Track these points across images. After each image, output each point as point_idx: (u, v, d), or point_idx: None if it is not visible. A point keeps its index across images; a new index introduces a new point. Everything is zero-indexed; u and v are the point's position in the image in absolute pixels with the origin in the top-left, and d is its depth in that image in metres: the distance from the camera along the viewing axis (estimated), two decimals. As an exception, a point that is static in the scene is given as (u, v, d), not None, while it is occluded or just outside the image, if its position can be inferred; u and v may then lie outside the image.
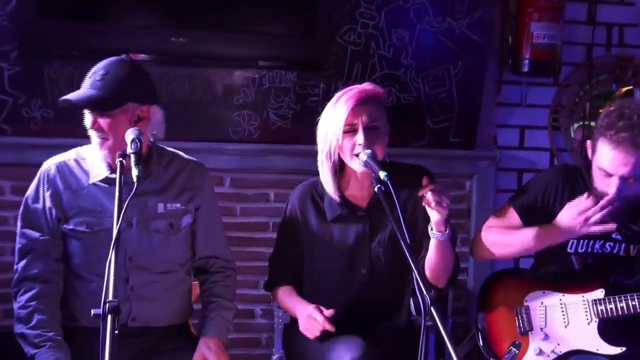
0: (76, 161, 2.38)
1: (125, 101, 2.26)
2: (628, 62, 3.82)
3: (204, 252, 2.51)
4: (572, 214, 2.42)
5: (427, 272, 2.35)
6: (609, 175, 2.37)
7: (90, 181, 2.34)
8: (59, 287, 2.36)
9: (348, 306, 2.40)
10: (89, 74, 2.30)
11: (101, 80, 2.24)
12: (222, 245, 2.57)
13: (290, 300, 2.50)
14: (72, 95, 2.25)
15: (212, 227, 2.53)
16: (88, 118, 2.28)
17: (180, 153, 2.52)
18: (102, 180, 2.33)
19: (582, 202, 2.41)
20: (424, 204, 2.17)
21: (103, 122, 2.25)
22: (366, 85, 2.39)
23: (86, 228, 2.32)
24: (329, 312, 2.31)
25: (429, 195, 2.13)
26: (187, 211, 2.43)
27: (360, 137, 2.28)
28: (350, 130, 2.30)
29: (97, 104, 2.24)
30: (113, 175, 2.30)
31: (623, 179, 2.35)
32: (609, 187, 2.37)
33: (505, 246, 2.58)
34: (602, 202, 2.37)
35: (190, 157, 2.53)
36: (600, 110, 3.93)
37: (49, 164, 2.39)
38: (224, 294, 2.48)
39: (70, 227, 2.33)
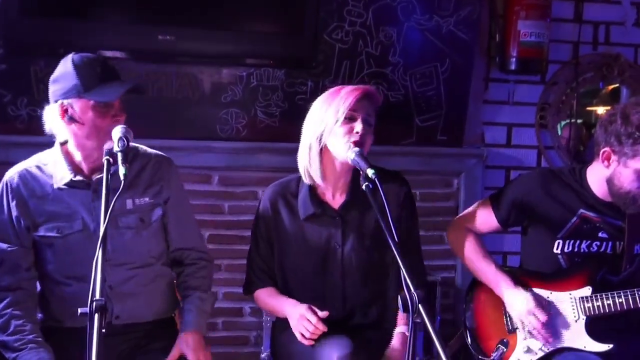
0: (38, 167, 2.34)
1: None
2: (614, 61, 3.84)
3: (178, 245, 2.48)
4: (527, 308, 2.47)
5: None
6: None
7: (55, 186, 2.31)
8: (33, 292, 2.34)
9: (320, 306, 2.38)
10: (87, 64, 2.25)
11: (113, 71, 2.26)
12: (195, 237, 2.55)
13: (276, 301, 2.49)
14: (120, 85, 2.24)
15: (183, 219, 2.50)
16: (113, 106, 2.24)
17: (144, 147, 2.48)
18: (66, 184, 2.30)
19: (540, 312, 2.46)
20: None
21: (121, 111, 2.26)
22: (367, 86, 2.41)
23: (57, 233, 2.29)
24: (323, 314, 2.32)
25: None
26: (157, 204, 2.40)
27: (359, 126, 2.30)
28: (349, 117, 2.31)
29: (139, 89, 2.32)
30: (77, 178, 2.28)
31: None
32: None
33: (468, 263, 2.69)
34: (542, 322, 2.46)
35: (155, 151, 2.49)
36: (590, 108, 3.98)
37: (11, 174, 2.34)
38: (200, 286, 2.46)
39: (41, 233, 2.30)
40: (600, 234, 2.54)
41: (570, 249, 2.56)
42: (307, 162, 2.39)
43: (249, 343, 3.60)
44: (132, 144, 2.36)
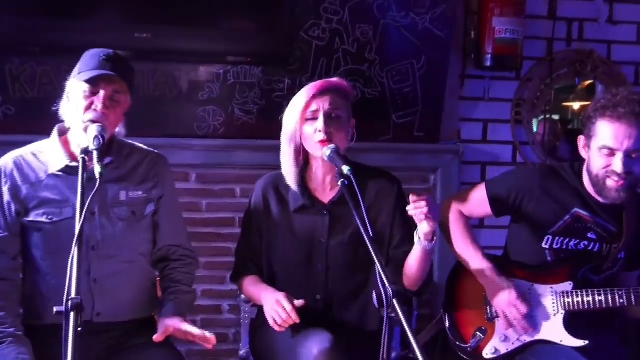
0: (34, 154, 2.37)
1: (132, 91, 2.36)
2: (588, 57, 3.88)
3: (167, 241, 2.49)
4: (509, 299, 2.50)
5: (405, 278, 2.39)
6: (613, 153, 2.39)
7: (50, 171, 2.33)
8: (17, 284, 2.33)
9: (307, 301, 2.40)
10: (93, 56, 2.32)
11: (122, 64, 2.31)
12: (184, 235, 2.57)
13: (256, 288, 2.49)
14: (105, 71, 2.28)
15: (175, 217, 2.53)
16: (102, 94, 2.26)
17: (140, 145, 2.52)
18: (61, 170, 2.32)
19: (521, 304, 2.49)
20: (412, 213, 2.20)
21: (112, 104, 2.28)
22: (333, 79, 2.43)
23: (46, 218, 2.30)
24: (299, 302, 2.29)
25: (423, 207, 2.16)
26: (150, 200, 2.43)
27: (320, 123, 2.30)
28: (312, 117, 2.33)
29: (131, 82, 2.34)
30: (73, 164, 2.29)
31: (627, 154, 2.38)
32: (615, 165, 2.39)
33: (455, 245, 2.68)
34: (522, 314, 2.48)
35: (150, 149, 2.53)
36: (565, 104, 4.02)
37: (6, 159, 2.37)
38: (183, 280, 2.48)
39: (30, 218, 2.31)
40: (589, 234, 2.56)
41: (558, 245, 2.58)
42: (286, 170, 2.42)
43: (227, 340, 3.60)
44: (128, 141, 2.47)
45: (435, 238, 2.27)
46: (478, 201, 2.66)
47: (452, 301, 2.68)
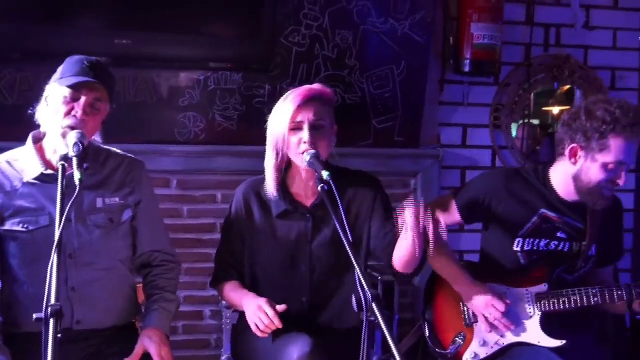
0: (8, 162, 2.35)
1: (112, 100, 2.34)
2: (564, 62, 3.92)
3: (147, 247, 2.48)
4: (486, 300, 2.53)
5: (398, 264, 2.36)
6: (619, 168, 2.43)
7: (25, 179, 2.31)
8: None
9: (290, 304, 2.41)
10: (76, 62, 2.30)
11: (104, 72, 2.30)
12: (165, 239, 2.56)
13: (236, 293, 2.48)
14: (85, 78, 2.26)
15: (154, 222, 2.52)
16: (83, 101, 2.25)
17: (116, 150, 2.50)
18: (37, 178, 2.30)
19: (498, 302, 2.51)
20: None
21: (92, 111, 2.27)
22: (314, 85, 2.44)
23: (22, 227, 2.29)
24: (280, 307, 2.29)
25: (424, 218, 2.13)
26: (127, 205, 2.41)
27: (305, 135, 2.32)
28: (296, 127, 2.33)
29: (112, 90, 2.32)
30: (49, 172, 2.28)
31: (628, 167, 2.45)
32: (620, 178, 2.44)
33: (429, 257, 2.61)
34: (501, 311, 2.51)
35: (127, 154, 2.51)
36: (546, 109, 4.06)
37: None
38: (166, 286, 2.47)
39: (6, 227, 2.29)
40: (558, 234, 2.59)
41: (529, 247, 2.61)
42: (269, 176, 2.42)
43: (209, 346, 3.60)
44: (103, 146, 2.45)
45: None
46: (447, 211, 2.69)
47: (431, 308, 2.71)
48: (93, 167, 2.37)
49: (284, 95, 2.41)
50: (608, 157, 2.42)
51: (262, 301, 2.31)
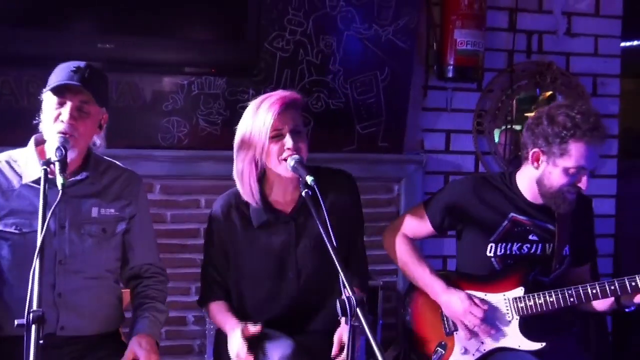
0: (7, 163, 2.36)
1: (105, 104, 2.34)
2: (547, 68, 3.96)
3: (140, 260, 2.50)
4: (463, 307, 2.54)
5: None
6: (581, 172, 2.46)
7: (24, 182, 2.31)
8: None
9: (277, 311, 2.42)
10: (63, 68, 2.30)
11: (91, 76, 2.27)
12: (157, 254, 2.58)
13: (222, 318, 2.49)
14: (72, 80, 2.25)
15: (147, 236, 2.54)
16: (69, 106, 2.25)
17: (117, 162, 2.53)
18: (35, 181, 2.29)
19: (477, 309, 2.53)
20: None
21: (81, 115, 2.26)
22: (285, 92, 2.42)
23: (15, 229, 2.29)
24: (255, 329, 2.31)
25: None
26: (122, 218, 2.43)
27: (289, 141, 2.31)
28: (276, 135, 2.33)
29: (100, 93, 2.30)
30: (49, 176, 2.27)
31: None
32: (582, 183, 2.47)
33: (403, 268, 2.74)
34: (480, 318, 2.52)
35: (126, 167, 2.54)
36: (528, 114, 4.09)
37: None
38: (157, 297, 2.48)
39: None
40: (530, 237, 2.62)
41: (502, 251, 2.63)
42: (247, 188, 2.41)
43: (192, 352, 3.58)
44: (105, 157, 2.49)
45: None
46: (418, 222, 2.72)
47: (411, 318, 2.72)
48: (92, 177, 2.39)
49: (253, 105, 2.40)
50: (569, 162, 2.45)
51: (239, 336, 2.31)
